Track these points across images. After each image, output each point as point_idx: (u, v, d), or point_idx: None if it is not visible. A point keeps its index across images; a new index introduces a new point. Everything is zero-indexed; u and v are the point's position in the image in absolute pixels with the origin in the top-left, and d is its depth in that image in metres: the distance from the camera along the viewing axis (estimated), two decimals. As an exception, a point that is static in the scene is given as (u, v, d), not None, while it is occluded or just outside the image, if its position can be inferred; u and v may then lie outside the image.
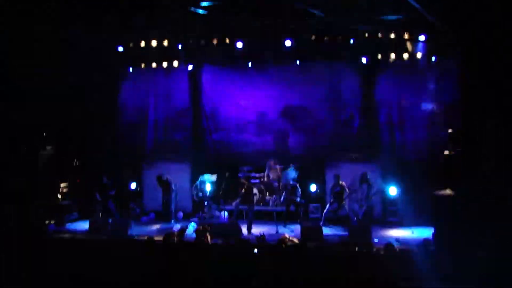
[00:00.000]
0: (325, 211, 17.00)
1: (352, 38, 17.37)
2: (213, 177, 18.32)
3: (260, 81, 20.28)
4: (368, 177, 16.69)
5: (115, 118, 20.76)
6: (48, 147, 18.02)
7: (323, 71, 19.74)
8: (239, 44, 17.80)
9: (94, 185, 17.88)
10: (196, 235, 13.96)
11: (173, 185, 17.79)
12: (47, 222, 17.25)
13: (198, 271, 9.49)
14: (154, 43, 18.38)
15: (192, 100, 21.02)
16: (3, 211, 16.49)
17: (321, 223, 16.57)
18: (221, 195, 17.77)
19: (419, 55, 17.94)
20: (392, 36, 16.72)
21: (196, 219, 17.63)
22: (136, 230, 16.42)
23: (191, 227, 15.73)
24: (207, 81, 20.84)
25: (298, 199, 17.19)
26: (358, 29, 16.34)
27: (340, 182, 16.85)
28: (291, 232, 15.79)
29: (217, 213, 17.99)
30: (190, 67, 20.43)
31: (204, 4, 14.34)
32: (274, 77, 20.16)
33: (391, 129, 19.37)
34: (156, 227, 17.19)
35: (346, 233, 15.35)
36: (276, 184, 18.64)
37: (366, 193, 16.61)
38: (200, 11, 14.76)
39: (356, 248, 11.85)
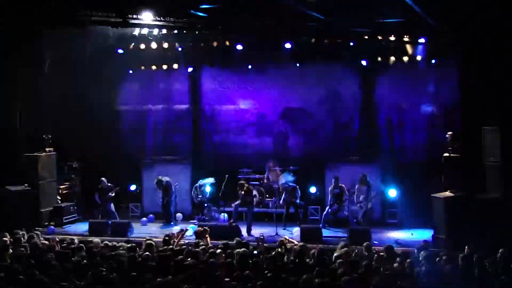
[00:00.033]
0: (324, 213, 17.00)
1: (351, 41, 17.38)
2: (211, 180, 18.29)
3: (260, 83, 20.28)
4: (368, 179, 16.70)
5: (115, 120, 20.77)
6: (48, 150, 17.99)
7: (323, 74, 19.72)
8: (239, 47, 17.81)
9: (94, 187, 17.88)
10: (196, 236, 13.95)
11: (173, 187, 17.78)
12: (46, 224, 17.26)
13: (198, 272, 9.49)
14: (154, 45, 18.38)
15: (192, 102, 21.03)
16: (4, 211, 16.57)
17: (320, 225, 16.58)
18: (220, 197, 17.77)
19: (418, 57, 17.95)
20: (392, 38, 16.73)
21: (195, 221, 17.62)
22: (136, 232, 16.43)
23: (191, 229, 15.71)
24: (207, 83, 20.85)
25: (298, 201, 17.19)
26: (358, 32, 16.34)
27: (340, 184, 16.85)
28: (291, 234, 15.77)
29: (216, 215, 17.98)
30: (190, 70, 20.45)
31: (204, 6, 14.33)
32: (274, 79, 20.16)
33: (390, 131, 19.39)
34: (155, 228, 17.18)
35: (346, 235, 15.35)
36: (276, 186, 18.63)
37: (365, 195, 16.61)
38: (200, 14, 14.75)
39: (356, 250, 11.83)
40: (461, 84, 15.14)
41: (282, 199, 17.36)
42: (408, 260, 10.39)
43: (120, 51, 18.94)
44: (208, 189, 18.19)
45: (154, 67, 20.24)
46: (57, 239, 12.85)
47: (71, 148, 19.07)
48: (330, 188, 17.06)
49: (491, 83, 13.79)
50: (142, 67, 20.36)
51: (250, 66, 19.76)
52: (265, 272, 9.49)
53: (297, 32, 16.30)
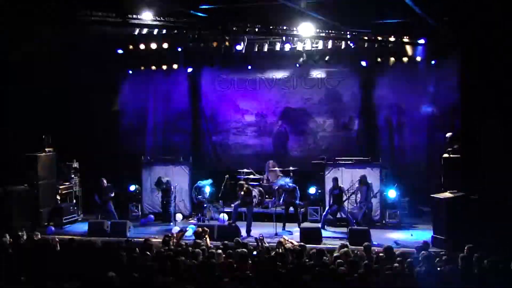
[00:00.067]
0: (324, 213, 16.99)
1: (352, 41, 17.37)
2: (209, 181, 18.30)
3: (260, 83, 20.31)
4: (367, 179, 16.70)
5: (115, 121, 20.77)
6: (48, 150, 18.00)
7: (323, 74, 19.76)
8: (239, 47, 17.81)
9: (94, 187, 17.87)
10: (195, 237, 13.96)
11: (172, 188, 17.78)
12: (46, 224, 17.27)
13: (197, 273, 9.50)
14: (153, 45, 18.38)
15: (192, 102, 21.06)
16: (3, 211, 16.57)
17: (320, 225, 16.57)
18: (220, 197, 17.77)
19: (418, 58, 17.95)
20: (392, 39, 16.72)
21: (195, 221, 17.62)
22: (135, 232, 16.43)
23: (190, 229, 15.71)
24: (207, 84, 20.88)
25: (297, 201, 17.19)
26: (358, 32, 16.33)
27: (339, 184, 16.85)
28: (290, 235, 15.78)
29: (216, 215, 17.98)
30: (189, 70, 20.46)
31: (204, 6, 14.32)
32: (274, 79, 20.19)
33: (390, 132, 19.41)
34: (155, 229, 17.18)
35: (345, 235, 15.35)
36: (276, 186, 18.63)
37: (365, 195, 16.62)
38: (200, 14, 14.74)
39: (355, 251, 11.83)
40: (461, 84, 15.13)
41: (281, 199, 17.36)
42: (407, 261, 10.39)
43: (120, 51, 18.93)
44: (207, 189, 18.18)
45: (153, 67, 20.25)
46: (57, 239, 12.84)
47: (70, 148, 19.06)
48: (329, 189, 17.06)
49: (491, 83, 13.78)
50: (142, 67, 20.39)
51: (249, 67, 19.77)
52: (265, 272, 9.50)
53: (297, 33, 16.27)
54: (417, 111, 18.96)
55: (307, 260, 10.80)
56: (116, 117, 20.84)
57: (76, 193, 18.97)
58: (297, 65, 19.24)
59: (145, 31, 18.01)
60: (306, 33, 16.10)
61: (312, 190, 18.25)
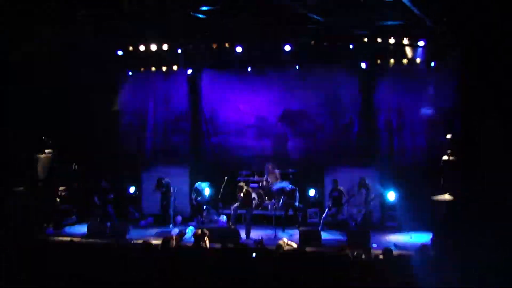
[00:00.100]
0: (323, 215, 17.00)
1: (351, 43, 17.38)
2: (207, 184, 18.30)
3: (260, 85, 20.30)
4: (367, 182, 16.71)
5: (114, 122, 20.77)
6: (47, 151, 18.00)
7: (323, 76, 19.75)
8: (239, 49, 17.81)
9: (93, 189, 17.88)
10: (195, 239, 13.93)
11: (172, 189, 17.78)
12: (45, 225, 17.26)
13: (196, 275, 9.49)
14: (153, 47, 18.38)
15: (191, 104, 21.04)
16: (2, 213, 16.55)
17: (319, 227, 16.57)
18: (219, 199, 17.78)
19: (418, 60, 17.95)
20: (392, 41, 16.73)
21: (194, 223, 17.62)
22: (135, 234, 16.43)
23: (190, 231, 15.71)
24: (206, 85, 20.86)
25: (297, 204, 17.19)
26: (358, 34, 16.35)
27: (339, 186, 16.85)
28: (290, 237, 15.76)
29: (215, 217, 17.98)
30: (189, 71, 20.46)
31: (204, 8, 14.34)
32: (274, 81, 20.19)
33: (390, 134, 19.38)
34: (154, 231, 17.18)
35: (345, 238, 15.35)
36: (275, 188, 18.64)
37: (364, 198, 16.63)
38: (200, 15, 14.76)
39: (355, 253, 11.82)
40: (461, 85, 15.14)
41: (281, 201, 17.36)
42: (406, 263, 10.37)
43: (120, 52, 18.93)
44: (207, 191, 18.18)
45: (153, 69, 20.26)
46: (56, 241, 12.83)
47: (70, 150, 19.06)
48: (329, 191, 17.06)
49: (490, 84, 13.79)
50: (142, 69, 20.39)
51: (249, 68, 19.77)
52: (264, 275, 9.49)
53: (296, 34, 16.30)
54: (416, 113, 18.93)
55: (306, 262, 10.77)
56: (115, 119, 20.84)
57: (75, 195, 18.95)
58: (297, 66, 19.24)
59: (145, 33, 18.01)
60: (306, 35, 16.12)
61: (311, 192, 18.25)
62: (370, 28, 15.93)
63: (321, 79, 19.77)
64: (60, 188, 18.59)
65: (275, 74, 20.09)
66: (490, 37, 13.64)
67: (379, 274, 9.81)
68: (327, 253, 11.89)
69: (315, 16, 14.32)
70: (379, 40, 16.87)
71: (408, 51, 17.88)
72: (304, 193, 18.17)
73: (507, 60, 13.61)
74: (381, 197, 17.22)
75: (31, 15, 14.06)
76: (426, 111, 18.75)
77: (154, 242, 12.98)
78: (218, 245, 12.71)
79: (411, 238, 15.79)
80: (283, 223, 16.95)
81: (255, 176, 19.31)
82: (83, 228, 16.97)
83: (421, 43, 16.90)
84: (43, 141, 17.87)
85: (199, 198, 18.08)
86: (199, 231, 14.11)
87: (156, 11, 14.45)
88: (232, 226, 16.20)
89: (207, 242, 13.50)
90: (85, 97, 19.22)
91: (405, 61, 18.17)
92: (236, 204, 16.87)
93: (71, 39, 16.71)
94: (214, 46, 18.06)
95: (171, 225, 17.56)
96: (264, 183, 19.14)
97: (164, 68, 20.13)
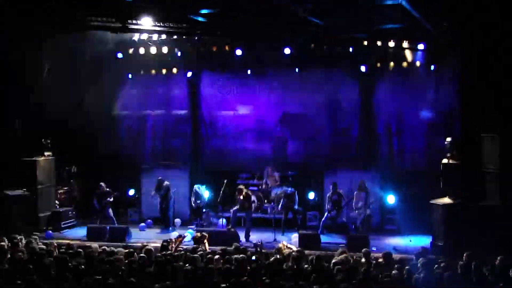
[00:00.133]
0: (323, 219, 16.98)
1: (351, 46, 17.39)
2: (205, 188, 18.30)
3: (259, 88, 20.30)
4: (366, 185, 16.69)
5: (114, 125, 20.76)
6: (47, 153, 17.99)
7: (322, 79, 19.75)
8: (238, 52, 17.82)
9: (93, 191, 17.85)
10: (194, 242, 13.94)
11: (171, 192, 17.77)
12: (44, 228, 17.24)
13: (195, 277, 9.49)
14: (153, 50, 18.38)
15: (191, 107, 21.04)
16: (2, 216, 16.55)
17: (319, 231, 16.56)
18: (219, 202, 17.76)
19: (418, 63, 17.97)
20: (391, 44, 16.74)
21: (194, 226, 17.60)
22: (134, 237, 16.41)
23: (189, 234, 15.70)
24: (206, 88, 20.86)
25: (296, 207, 17.18)
26: (357, 37, 16.36)
27: (338, 190, 16.84)
28: (289, 240, 15.75)
29: (215, 220, 17.97)
30: (189, 74, 20.46)
31: (204, 11, 14.35)
32: (273, 84, 20.19)
33: (389, 137, 19.39)
34: (154, 234, 17.16)
35: (344, 241, 15.34)
36: (275, 191, 18.64)
37: (364, 201, 16.60)
38: (200, 19, 14.77)
39: (354, 257, 11.82)
40: (461, 85, 15.14)
41: (280, 204, 17.35)
42: (406, 267, 10.37)
43: (120, 55, 18.93)
44: (206, 194, 18.17)
45: (153, 72, 20.26)
46: (55, 244, 12.81)
47: (70, 153, 19.05)
48: (328, 194, 17.05)
49: (490, 86, 13.80)
50: (141, 72, 20.40)
51: (249, 71, 19.77)
52: (263, 278, 9.49)
53: (296, 38, 16.30)
54: (416, 116, 18.94)
55: (305, 266, 10.78)
56: (115, 122, 20.83)
57: (75, 197, 18.94)
58: (297, 69, 19.24)
59: (145, 36, 18.02)
60: (305, 38, 16.12)
61: (311, 195, 18.25)
62: (370, 32, 15.93)
63: (320, 82, 19.76)
64: (60, 191, 18.56)
65: (274, 77, 20.09)
66: (490, 37, 13.65)
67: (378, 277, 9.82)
68: (326, 256, 11.88)
69: (314, 20, 14.32)
70: (378, 43, 16.87)
71: (408, 54, 17.90)
72: (303, 196, 18.16)
73: (507, 60, 13.63)
74: (381, 200, 17.21)
75: (31, 15, 14.07)
76: (426, 114, 18.76)
77: (153, 245, 12.99)
78: (217, 248, 12.74)
79: (410, 241, 15.77)
80: (283, 226, 16.93)
81: (255, 179, 19.29)
82: (82, 231, 16.94)
83: (420, 46, 16.90)
84: (42, 143, 17.85)
85: (198, 201, 18.07)
86: (199, 234, 14.14)
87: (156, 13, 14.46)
88: (232, 229, 16.18)
89: (207, 245, 13.51)
90: (85, 101, 19.23)
91: (404, 64, 18.20)
92: (235, 207, 16.86)
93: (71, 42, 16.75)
94: (214, 49, 18.06)
95: (170, 228, 17.54)
96: (264, 186, 19.13)
97: (164, 71, 20.13)
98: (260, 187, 19.11)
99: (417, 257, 11.54)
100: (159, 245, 13.13)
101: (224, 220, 17.39)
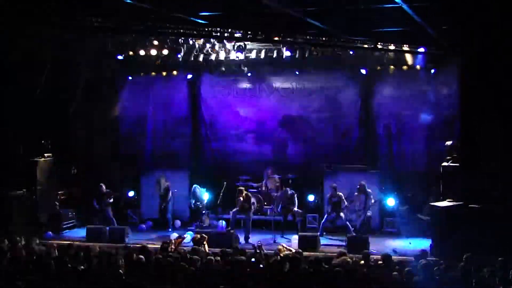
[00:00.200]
0: (323, 221, 16.98)
1: (351, 49, 17.38)
2: (204, 190, 18.31)
3: (259, 90, 20.31)
4: (366, 187, 16.69)
5: (114, 126, 20.78)
6: (47, 155, 18.00)
7: (322, 81, 19.77)
8: (239, 54, 17.81)
9: (92, 193, 17.86)
10: (194, 243, 13.94)
11: (170, 193, 17.78)
12: (44, 229, 17.24)
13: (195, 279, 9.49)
14: (153, 52, 18.37)
15: (191, 108, 21.05)
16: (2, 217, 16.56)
17: (318, 233, 16.56)
18: (219, 204, 17.76)
19: (418, 66, 17.98)
20: (392, 47, 16.74)
21: (193, 227, 17.60)
22: (134, 238, 16.41)
23: (189, 235, 15.70)
24: (206, 90, 20.87)
25: (296, 209, 17.18)
26: (358, 40, 16.35)
27: (338, 192, 16.84)
28: (289, 242, 15.75)
29: (214, 222, 17.97)
30: (189, 76, 20.47)
31: (204, 13, 14.34)
32: (273, 86, 20.20)
33: (389, 140, 19.38)
34: (153, 235, 17.17)
35: (344, 243, 15.34)
36: (274, 193, 18.64)
37: (364, 203, 16.60)
38: (200, 21, 14.77)
39: (354, 259, 11.82)
40: (461, 86, 15.14)
41: (280, 206, 17.35)
42: (406, 269, 10.37)
43: (120, 57, 18.94)
44: (206, 196, 18.18)
45: (153, 74, 20.27)
46: (55, 245, 12.82)
47: (70, 154, 19.06)
48: (328, 196, 17.05)
49: (490, 86, 13.80)
50: (142, 74, 20.41)
51: (249, 74, 19.77)
52: (263, 280, 9.49)
53: (297, 41, 16.29)
54: (416, 120, 18.94)
55: (305, 267, 10.78)
56: (115, 123, 20.85)
57: (74, 199, 18.94)
58: (297, 72, 19.26)
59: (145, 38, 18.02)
60: (305, 41, 16.12)
61: (311, 197, 18.25)
62: (370, 35, 15.93)
63: (321, 84, 19.79)
64: (60, 192, 18.57)
65: (275, 79, 20.11)
66: (490, 37, 13.65)
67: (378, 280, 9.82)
68: (326, 258, 11.88)
69: (315, 22, 14.32)
70: (379, 46, 16.87)
71: (408, 57, 17.90)
72: (303, 198, 18.16)
73: (507, 60, 13.63)
74: (381, 202, 17.21)
75: (31, 15, 14.05)
76: (426, 117, 18.76)
77: (153, 246, 12.99)
78: (217, 250, 12.74)
79: (410, 244, 15.76)
80: (282, 228, 16.93)
81: (255, 181, 19.29)
82: (82, 232, 16.95)
83: (421, 49, 16.91)
84: (42, 144, 17.86)
85: (198, 203, 18.07)
86: (198, 235, 14.14)
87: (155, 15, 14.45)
88: (231, 231, 16.19)
89: (206, 246, 13.51)
90: (85, 102, 19.24)
91: (405, 67, 18.20)
92: (235, 209, 16.87)
93: (71, 41, 16.74)
94: (214, 51, 18.06)
95: (170, 229, 17.55)
96: (263, 188, 19.13)
97: (164, 73, 20.14)
98: (260, 189, 19.11)
99: (417, 259, 11.54)
100: (158, 246, 13.13)
101: (224, 222, 17.39)
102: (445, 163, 15.77)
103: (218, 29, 15.23)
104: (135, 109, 21.03)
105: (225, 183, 17.83)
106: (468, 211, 14.16)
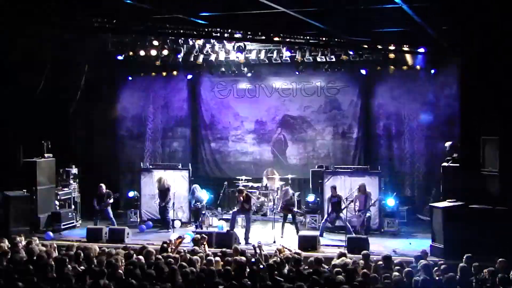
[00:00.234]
0: (323, 221, 16.97)
1: (351, 50, 17.38)
2: (205, 191, 18.31)
3: (259, 91, 20.33)
4: (366, 188, 16.69)
5: (114, 127, 20.78)
6: (47, 155, 18.00)
7: (323, 82, 19.79)
8: (239, 54, 17.82)
9: (92, 193, 17.85)
10: (194, 243, 13.93)
11: (170, 193, 17.77)
12: (44, 229, 17.24)
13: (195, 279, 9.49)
14: (153, 52, 18.38)
15: (191, 109, 21.09)
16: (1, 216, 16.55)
17: (319, 233, 16.55)
18: (218, 204, 17.75)
19: (418, 67, 17.98)
20: (392, 47, 16.73)
21: (193, 228, 17.59)
22: (134, 238, 16.40)
23: (188, 236, 15.69)
24: (206, 91, 20.90)
25: (296, 209, 17.18)
26: (358, 41, 16.34)
27: (338, 192, 16.83)
28: (289, 242, 15.73)
29: (214, 222, 17.96)
30: (189, 77, 20.48)
31: (204, 14, 14.34)
32: (273, 87, 20.21)
33: (389, 140, 19.41)
34: (153, 235, 17.15)
35: (344, 243, 15.33)
36: (274, 193, 18.64)
37: (364, 204, 16.60)
38: (200, 21, 14.76)
39: (354, 259, 11.82)
40: (461, 88, 15.14)
41: (280, 207, 17.36)
42: (406, 270, 10.37)
43: (120, 57, 18.93)
44: (205, 196, 18.16)
45: (153, 74, 20.28)
46: (55, 245, 12.82)
47: (69, 154, 19.06)
48: (328, 197, 17.05)
49: (490, 86, 13.80)
50: (142, 74, 20.42)
51: (249, 74, 19.78)
52: (262, 280, 9.49)
53: (297, 41, 16.28)
54: (416, 120, 18.98)
55: (305, 268, 10.78)
56: (115, 123, 20.85)
57: (74, 199, 18.94)
58: (297, 72, 19.27)
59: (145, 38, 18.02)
60: (305, 41, 16.10)
61: (310, 198, 18.25)
62: (370, 35, 15.92)
63: (320, 85, 19.80)
64: (60, 192, 18.56)
65: (275, 79, 20.13)
66: (490, 37, 13.65)
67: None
68: (326, 258, 11.88)
69: (315, 23, 14.32)
70: (379, 46, 16.87)
71: (408, 58, 17.90)
72: (303, 199, 18.15)
73: (507, 60, 13.63)
74: (381, 203, 17.20)
75: (31, 15, 14.04)
76: (426, 118, 18.77)
77: (152, 247, 12.98)
78: (217, 250, 12.74)
79: (410, 244, 15.75)
80: (282, 228, 16.92)
81: (254, 182, 19.28)
82: (82, 233, 16.94)
83: (421, 50, 16.90)
84: (42, 144, 17.86)
85: (197, 203, 18.05)
86: (198, 236, 14.13)
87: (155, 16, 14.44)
88: (231, 231, 16.18)
89: (206, 247, 13.50)
90: (85, 103, 19.24)
91: (405, 67, 18.20)
92: (235, 209, 16.86)
93: (71, 41, 16.75)
94: (214, 51, 18.07)
95: (170, 230, 17.53)
96: (263, 188, 19.14)
97: (164, 73, 20.15)
98: (259, 189, 19.11)
99: (417, 260, 11.54)
100: (158, 246, 13.12)
101: (224, 222, 17.39)
102: (445, 163, 15.77)
103: (218, 29, 15.17)
104: (135, 109, 21.06)
105: (225, 183, 17.82)
106: (468, 211, 14.15)
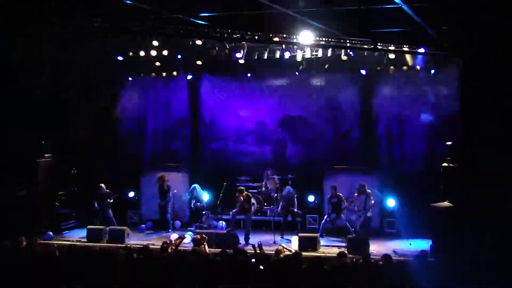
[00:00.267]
0: (323, 221, 16.98)
1: (351, 50, 17.37)
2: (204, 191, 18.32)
3: (259, 91, 20.31)
4: (366, 188, 16.69)
5: (114, 127, 20.78)
6: (47, 155, 18.00)
7: (323, 82, 19.77)
8: (239, 55, 17.82)
9: (92, 193, 17.86)
10: (194, 244, 13.94)
11: (170, 194, 17.77)
12: (44, 229, 17.24)
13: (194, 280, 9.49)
14: (153, 52, 18.37)
15: (191, 109, 21.06)
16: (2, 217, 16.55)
17: (318, 233, 16.56)
18: (218, 204, 17.75)
19: (418, 67, 17.97)
20: (392, 48, 16.73)
21: (193, 228, 17.60)
22: (134, 239, 16.41)
23: (189, 236, 15.70)
24: (206, 91, 20.88)
25: (296, 209, 17.18)
26: (358, 41, 16.34)
27: (338, 193, 16.84)
28: (289, 243, 15.75)
29: (214, 222, 17.96)
30: (189, 77, 20.48)
31: (203, 14, 14.35)
32: (273, 87, 20.20)
33: (389, 140, 19.38)
34: (153, 236, 17.16)
35: (344, 244, 15.34)
36: (274, 194, 18.64)
37: (364, 204, 16.60)
38: (200, 22, 14.77)
39: (354, 259, 11.82)
40: (461, 88, 15.13)
41: (280, 207, 17.36)
42: (406, 270, 10.37)
43: (120, 57, 18.93)
44: (205, 196, 18.17)
45: (153, 74, 20.28)
46: (56, 245, 12.81)
47: (70, 154, 19.06)
48: (328, 197, 17.06)
49: (490, 86, 13.79)
50: (142, 74, 20.42)
51: (249, 74, 19.78)
52: (263, 280, 9.49)
53: (297, 41, 16.28)
54: (416, 120, 18.94)
55: (305, 268, 10.77)
56: (115, 124, 20.85)
57: (75, 199, 18.94)
58: (297, 73, 19.26)
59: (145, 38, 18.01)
60: (306, 41, 16.10)
61: (311, 198, 18.25)
62: (370, 35, 15.92)
63: (321, 85, 19.78)
64: (60, 193, 18.57)
65: (275, 80, 20.12)
66: (490, 37, 13.64)
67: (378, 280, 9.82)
68: (326, 259, 11.88)
69: (315, 23, 14.32)
70: (379, 46, 16.86)
71: (408, 58, 17.89)
72: (303, 199, 18.16)
73: (507, 60, 13.62)
74: (381, 203, 17.21)
75: (31, 15, 14.05)
76: (426, 118, 18.76)
77: (153, 247, 12.98)
78: (217, 250, 12.74)
79: (410, 244, 15.76)
80: (282, 228, 16.93)
81: (254, 182, 19.28)
82: (82, 233, 16.95)
83: (421, 50, 16.90)
84: (42, 144, 17.86)
85: (198, 203, 18.08)
86: (198, 236, 14.13)
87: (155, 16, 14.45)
88: (231, 232, 16.18)
89: (206, 247, 13.51)
90: (85, 103, 19.24)
91: (405, 68, 18.19)
92: (235, 210, 16.87)
93: (71, 41, 16.75)
94: (214, 52, 18.06)
95: (170, 230, 17.55)
96: (263, 188, 19.14)
97: (164, 74, 20.14)
98: (259, 189, 19.12)
99: (417, 260, 11.53)
100: (158, 246, 13.12)
101: (224, 222, 17.39)
102: (445, 164, 15.75)
103: (218, 29, 15.19)
104: (135, 110, 21.04)
105: (225, 183, 17.82)
106: (468, 211, 14.14)
